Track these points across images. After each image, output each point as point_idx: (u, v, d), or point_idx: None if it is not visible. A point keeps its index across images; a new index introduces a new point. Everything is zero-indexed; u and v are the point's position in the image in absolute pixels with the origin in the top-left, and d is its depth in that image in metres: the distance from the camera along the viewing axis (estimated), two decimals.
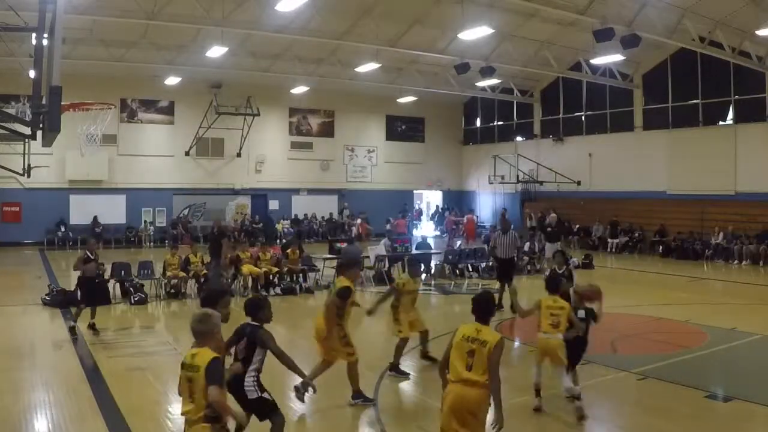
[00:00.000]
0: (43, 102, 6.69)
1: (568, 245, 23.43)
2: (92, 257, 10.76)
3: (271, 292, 14.89)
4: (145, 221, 27.51)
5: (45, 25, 7.13)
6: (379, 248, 17.67)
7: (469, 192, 35.09)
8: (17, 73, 16.73)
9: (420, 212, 34.97)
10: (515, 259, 14.07)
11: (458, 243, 23.95)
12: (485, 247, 19.27)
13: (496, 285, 13.70)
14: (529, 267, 19.13)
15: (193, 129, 28.05)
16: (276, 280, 15.35)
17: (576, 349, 7.05)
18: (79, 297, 10.78)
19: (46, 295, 13.42)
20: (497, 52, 23.39)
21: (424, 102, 32.30)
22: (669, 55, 24.68)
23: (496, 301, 12.80)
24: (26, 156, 17.52)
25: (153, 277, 14.84)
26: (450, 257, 18.48)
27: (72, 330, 10.36)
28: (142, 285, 14.00)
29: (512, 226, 14.49)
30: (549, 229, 19.70)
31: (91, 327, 10.54)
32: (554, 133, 30.12)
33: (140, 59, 23.42)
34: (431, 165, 34.56)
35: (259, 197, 30.41)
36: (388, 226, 29.99)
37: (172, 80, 25.93)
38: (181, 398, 4.20)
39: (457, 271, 18.11)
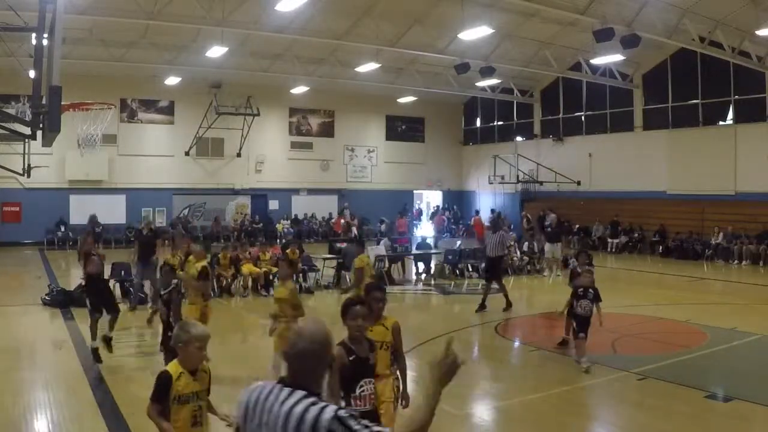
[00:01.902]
0: (43, 102, 6.68)
1: (568, 245, 23.40)
2: (94, 253, 9.94)
3: (271, 291, 14.87)
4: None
5: (45, 25, 7.13)
6: (379, 248, 17.67)
7: (469, 192, 35.09)
8: (17, 73, 16.71)
9: (420, 212, 34.99)
10: (503, 258, 14.06)
11: (458, 243, 23.95)
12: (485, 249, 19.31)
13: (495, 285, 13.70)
14: (528, 267, 19.13)
15: (193, 129, 28.05)
16: (276, 280, 15.33)
17: None
18: (88, 305, 8.89)
19: (46, 295, 13.40)
20: (497, 52, 23.39)
21: (424, 102, 32.30)
22: (669, 55, 24.67)
23: (482, 302, 12.93)
24: (26, 156, 17.49)
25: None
26: (450, 257, 18.48)
27: (95, 353, 8.54)
28: (142, 285, 13.97)
29: (511, 226, 14.50)
30: (549, 229, 19.68)
31: (107, 341, 8.72)
32: (554, 133, 30.12)
33: (140, 59, 23.41)
34: (431, 165, 34.56)
35: (259, 197, 30.41)
36: (383, 227, 30.06)
37: (172, 80, 25.93)
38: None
39: (457, 271, 18.11)
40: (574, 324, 8.76)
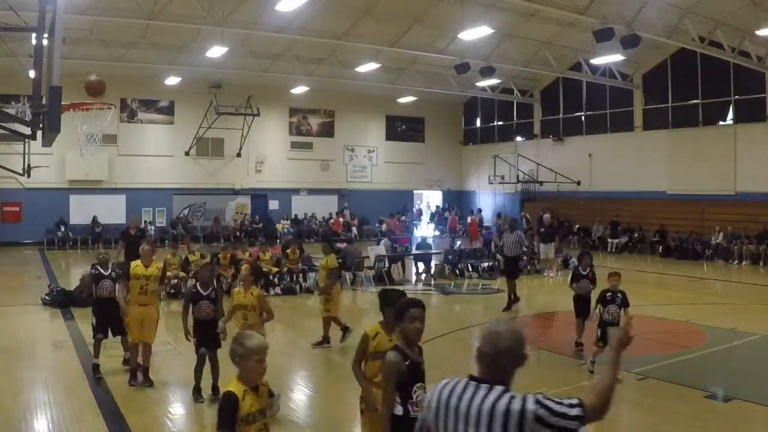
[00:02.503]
0: (43, 102, 6.67)
1: (568, 245, 23.40)
2: (105, 273, 8.55)
3: (271, 292, 14.89)
4: (145, 221, 27.50)
5: (45, 25, 7.11)
6: (379, 248, 17.69)
7: (469, 192, 35.09)
8: (17, 73, 16.72)
9: (420, 212, 34.99)
10: (520, 257, 14.19)
11: (458, 243, 23.96)
12: (485, 249, 19.32)
13: (495, 285, 13.74)
14: (528, 267, 19.13)
15: (193, 129, 28.04)
16: (276, 280, 15.36)
17: None
18: (94, 323, 8.48)
19: (46, 295, 13.40)
20: (497, 52, 23.39)
21: (424, 102, 32.30)
22: (669, 55, 24.66)
23: (514, 297, 13.06)
24: (26, 156, 17.49)
25: None
26: (450, 257, 18.48)
27: (95, 369, 8.26)
28: None
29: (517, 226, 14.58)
30: (542, 229, 19.65)
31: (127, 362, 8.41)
32: (554, 133, 30.12)
33: (140, 59, 23.41)
34: (431, 165, 34.55)
35: (259, 197, 30.42)
36: (383, 226, 30.06)
37: (172, 80, 25.93)
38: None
39: (457, 271, 18.11)
40: (599, 332, 8.43)
